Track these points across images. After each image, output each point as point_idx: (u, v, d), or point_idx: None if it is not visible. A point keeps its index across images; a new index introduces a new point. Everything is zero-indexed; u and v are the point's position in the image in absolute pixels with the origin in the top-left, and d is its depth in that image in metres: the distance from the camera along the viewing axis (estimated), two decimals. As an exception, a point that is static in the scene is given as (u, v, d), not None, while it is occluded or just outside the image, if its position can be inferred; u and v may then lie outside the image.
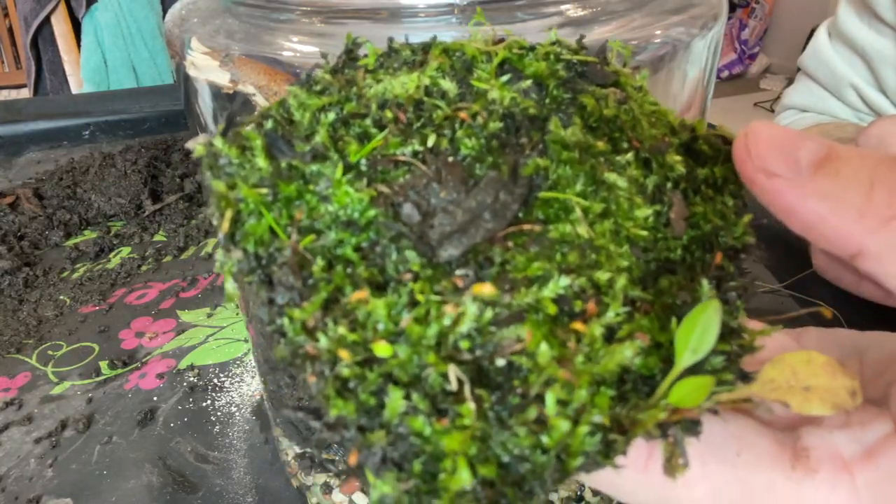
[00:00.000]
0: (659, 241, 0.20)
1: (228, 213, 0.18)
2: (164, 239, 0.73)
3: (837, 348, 0.23)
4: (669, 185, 0.20)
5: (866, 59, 0.70)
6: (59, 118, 0.95)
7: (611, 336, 0.17)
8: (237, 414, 0.49)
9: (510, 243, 0.18)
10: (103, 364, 0.54)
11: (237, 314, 0.60)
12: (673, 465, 0.17)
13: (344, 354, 0.16)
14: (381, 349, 0.16)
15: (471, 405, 0.15)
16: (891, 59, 0.67)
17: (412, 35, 0.22)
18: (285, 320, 0.16)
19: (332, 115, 0.20)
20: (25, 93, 1.89)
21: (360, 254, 0.18)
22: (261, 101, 0.29)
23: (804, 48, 0.78)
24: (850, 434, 0.18)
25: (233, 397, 0.51)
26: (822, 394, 0.17)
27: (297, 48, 0.27)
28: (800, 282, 0.59)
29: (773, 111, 2.91)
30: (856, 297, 0.26)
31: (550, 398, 0.16)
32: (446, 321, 0.16)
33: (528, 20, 0.27)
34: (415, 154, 0.19)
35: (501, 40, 0.22)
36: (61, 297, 0.63)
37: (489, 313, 0.17)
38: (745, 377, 0.18)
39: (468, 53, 0.21)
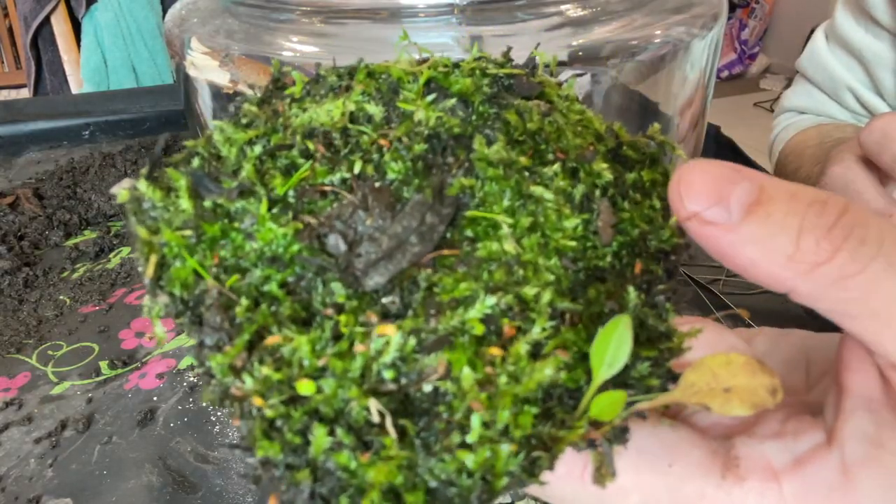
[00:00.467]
0: (588, 249, 0.20)
1: (153, 259, 0.18)
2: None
3: (789, 349, 0.23)
4: (598, 192, 0.20)
5: (863, 62, 0.70)
6: (59, 118, 0.95)
7: (537, 352, 0.17)
8: (237, 414, 0.49)
9: (437, 266, 0.18)
10: (103, 364, 0.54)
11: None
12: (602, 474, 0.18)
13: (258, 401, 0.16)
14: (304, 387, 0.16)
15: (393, 436, 0.16)
16: (887, 62, 0.67)
17: (412, 35, 0.22)
18: (212, 362, 0.17)
19: (258, 149, 0.20)
20: (25, 93, 1.89)
21: (286, 289, 0.18)
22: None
23: (804, 48, 0.78)
24: (781, 444, 0.19)
25: (233, 397, 0.51)
26: (742, 394, 0.18)
27: (297, 48, 0.27)
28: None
29: (772, 111, 2.91)
30: None
31: (475, 421, 0.16)
32: (371, 352, 0.17)
33: (528, 20, 0.27)
34: (342, 181, 0.19)
35: (425, 60, 0.22)
36: (61, 297, 0.63)
37: (412, 341, 0.17)
38: (674, 379, 0.19)
39: (394, 75, 0.21)
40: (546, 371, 0.17)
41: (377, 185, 0.19)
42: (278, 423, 0.16)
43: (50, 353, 0.56)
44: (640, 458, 0.19)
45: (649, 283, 0.19)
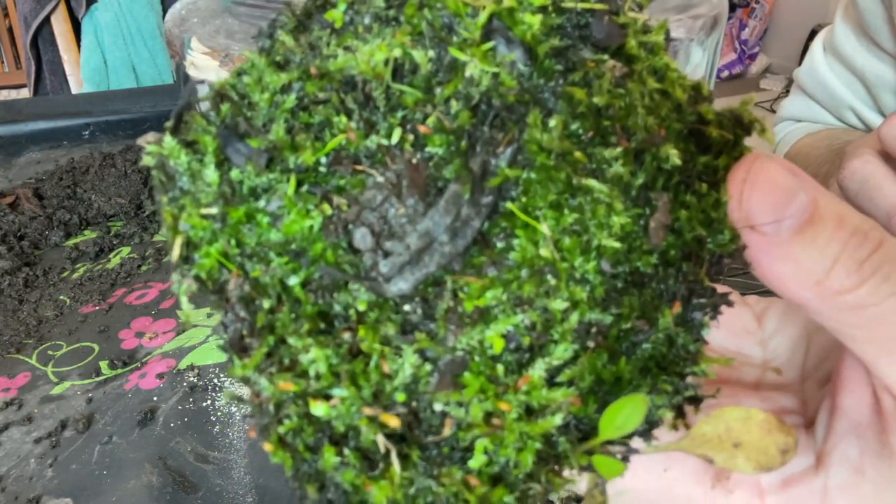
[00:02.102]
0: (634, 251, 0.18)
1: (178, 241, 0.18)
2: (164, 239, 0.73)
3: (794, 330, 0.24)
4: (660, 181, 0.19)
5: (865, 82, 0.69)
6: (59, 118, 0.95)
7: (554, 376, 0.17)
8: (237, 414, 0.49)
9: (465, 266, 0.18)
10: (103, 364, 0.54)
11: (237, 314, 0.60)
12: (593, 495, 0.18)
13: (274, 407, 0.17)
14: (317, 408, 0.16)
15: (397, 468, 0.16)
16: (890, 84, 0.67)
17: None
18: (234, 371, 0.17)
19: (291, 99, 0.18)
20: (25, 93, 1.89)
21: (308, 288, 0.18)
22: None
23: (804, 48, 0.78)
24: None
25: (233, 397, 0.51)
26: (750, 452, 0.18)
27: None
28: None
29: (772, 111, 2.91)
30: None
31: (478, 447, 0.16)
32: (385, 370, 0.17)
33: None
34: (378, 149, 0.18)
35: None
36: (61, 297, 0.63)
37: (427, 367, 0.17)
38: (682, 415, 0.19)
39: (450, 7, 0.18)
40: (555, 420, 0.17)
41: (414, 161, 0.18)
42: (291, 436, 0.17)
43: (50, 353, 0.56)
44: (638, 460, 0.19)
45: (690, 293, 0.19)
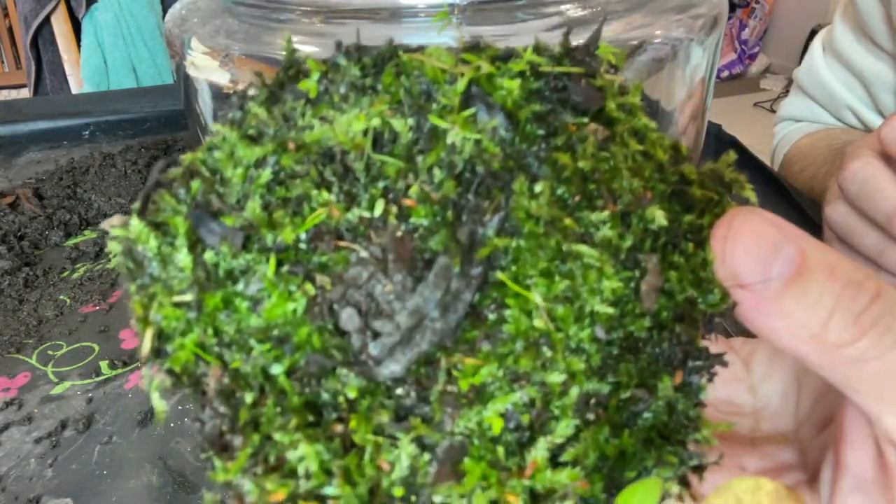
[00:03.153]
0: (626, 315, 0.18)
1: (149, 333, 0.17)
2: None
3: (782, 375, 0.24)
4: (648, 242, 0.18)
5: (864, 82, 0.69)
6: (59, 118, 0.95)
7: (557, 454, 0.17)
8: (237, 414, 0.49)
9: (458, 342, 0.17)
10: (103, 364, 0.54)
11: (237, 314, 0.60)
12: None
13: None
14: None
15: None
16: (889, 84, 0.67)
17: (412, 35, 0.22)
18: (216, 475, 0.16)
19: (266, 173, 0.17)
20: (25, 93, 1.89)
21: (293, 377, 0.17)
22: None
23: (804, 49, 0.78)
24: None
25: (233, 397, 0.51)
26: None
27: (297, 48, 0.27)
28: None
29: (773, 111, 2.91)
30: None
31: None
32: (381, 464, 0.16)
33: (528, 20, 0.27)
34: (360, 222, 0.17)
35: (473, 46, 0.19)
36: (61, 297, 0.63)
37: (425, 457, 0.16)
38: (686, 484, 0.18)
39: (428, 75, 0.18)
40: None
41: (399, 233, 0.17)
42: None
43: (50, 353, 0.56)
44: None
45: (685, 356, 0.18)
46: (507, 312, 0.17)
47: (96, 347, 0.57)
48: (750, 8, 3.31)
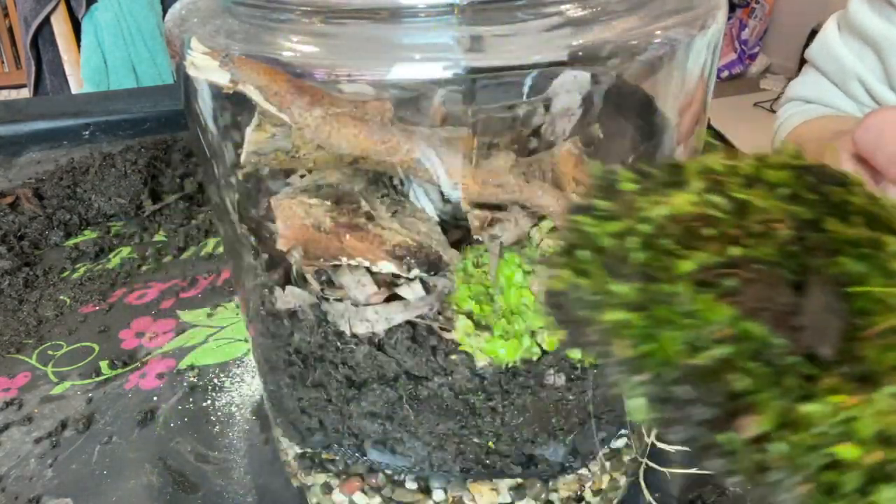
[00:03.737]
0: None
1: (626, 341, 0.18)
2: (164, 239, 0.73)
3: None
4: None
5: (876, 48, 0.69)
6: (59, 118, 0.95)
7: None
8: (237, 414, 0.49)
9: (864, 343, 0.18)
10: (103, 364, 0.54)
11: (237, 314, 0.60)
12: None
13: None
14: (846, 451, 0.16)
15: None
16: None
17: (412, 35, 0.22)
18: (724, 437, 0.17)
19: (634, 239, 0.20)
20: (25, 93, 1.89)
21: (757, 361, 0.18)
22: (260, 102, 0.29)
23: (804, 48, 0.78)
24: None
25: (233, 397, 0.51)
26: None
27: (297, 48, 0.27)
28: None
29: (773, 111, 2.91)
30: None
31: None
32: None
33: (528, 20, 0.27)
34: (730, 259, 0.19)
35: (730, 163, 0.22)
36: (61, 297, 0.63)
37: None
38: None
39: (716, 169, 0.21)
40: None
41: (759, 267, 0.19)
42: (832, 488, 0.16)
43: (50, 353, 0.56)
44: None
45: None
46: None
47: (96, 347, 0.57)
48: (750, 8, 3.31)
